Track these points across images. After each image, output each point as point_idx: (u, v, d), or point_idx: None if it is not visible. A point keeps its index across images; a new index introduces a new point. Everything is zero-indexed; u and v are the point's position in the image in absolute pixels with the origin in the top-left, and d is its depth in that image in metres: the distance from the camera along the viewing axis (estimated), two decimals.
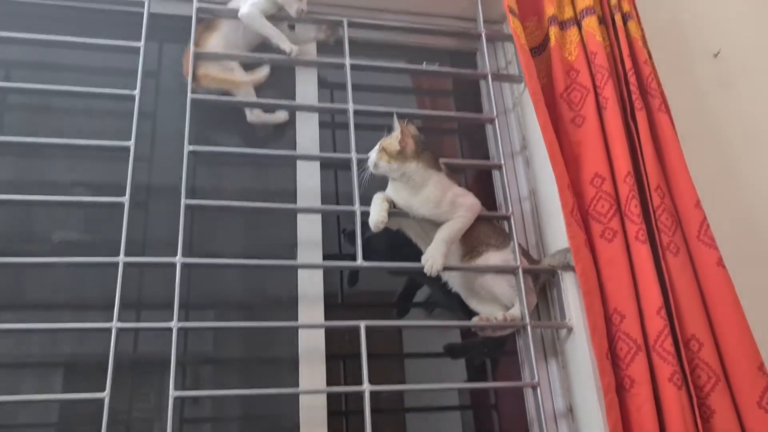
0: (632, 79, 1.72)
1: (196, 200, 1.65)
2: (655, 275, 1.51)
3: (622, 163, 1.62)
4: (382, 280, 1.92)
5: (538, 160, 1.89)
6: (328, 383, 1.65)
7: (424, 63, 2.22)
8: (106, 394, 1.38)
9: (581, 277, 1.54)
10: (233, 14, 1.83)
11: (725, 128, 2.10)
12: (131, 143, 1.63)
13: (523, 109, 2.02)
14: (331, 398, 1.64)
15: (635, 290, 1.52)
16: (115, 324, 1.44)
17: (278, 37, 1.85)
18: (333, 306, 1.77)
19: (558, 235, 1.77)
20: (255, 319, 1.72)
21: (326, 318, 1.72)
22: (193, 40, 1.78)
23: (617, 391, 1.46)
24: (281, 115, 1.89)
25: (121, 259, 1.49)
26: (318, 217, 1.82)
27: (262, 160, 1.90)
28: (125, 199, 1.56)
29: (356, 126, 1.79)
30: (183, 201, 1.59)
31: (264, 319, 1.72)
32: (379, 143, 1.67)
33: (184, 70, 1.80)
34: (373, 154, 1.66)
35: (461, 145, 2.18)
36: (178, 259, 1.53)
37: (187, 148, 1.65)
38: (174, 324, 1.47)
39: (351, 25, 1.91)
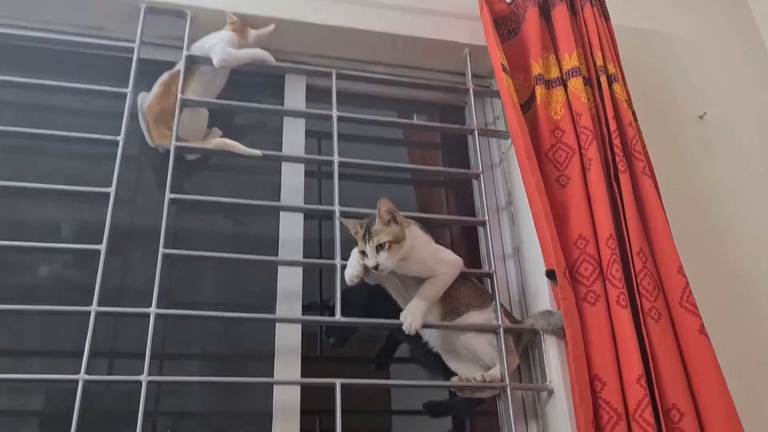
0: (616, 141, 1.72)
1: (174, 250, 1.63)
2: (635, 342, 1.48)
3: (605, 226, 1.61)
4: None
5: (523, 217, 1.88)
6: None
7: (415, 116, 2.25)
8: None
9: (571, 341, 1.52)
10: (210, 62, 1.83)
11: (709, 190, 2.10)
12: (112, 189, 1.63)
13: (509, 164, 2.02)
14: None
15: (616, 357, 1.50)
16: (82, 376, 1.41)
17: (261, 55, 1.86)
18: (311, 359, 1.74)
19: (541, 294, 1.76)
20: (230, 372, 1.72)
21: (304, 371, 1.68)
22: (181, 87, 1.78)
23: None
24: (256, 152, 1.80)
25: (94, 308, 1.46)
26: (299, 269, 1.80)
27: (245, 208, 1.88)
28: (102, 247, 1.54)
29: (341, 176, 1.78)
30: (161, 250, 1.57)
31: (240, 372, 1.71)
32: (369, 243, 1.55)
33: (149, 126, 1.78)
34: (382, 258, 1.54)
35: (447, 198, 2.18)
36: (152, 310, 1.50)
37: (169, 196, 1.64)
38: (144, 378, 1.44)
39: (340, 77, 1.92)
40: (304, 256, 1.83)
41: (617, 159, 1.70)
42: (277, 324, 1.72)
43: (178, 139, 1.72)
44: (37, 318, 1.63)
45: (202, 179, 1.90)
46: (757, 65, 2.42)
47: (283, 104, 2.03)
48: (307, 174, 1.95)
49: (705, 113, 2.18)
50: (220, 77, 1.88)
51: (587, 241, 1.62)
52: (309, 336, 1.76)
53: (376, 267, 1.55)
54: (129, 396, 1.46)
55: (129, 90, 1.75)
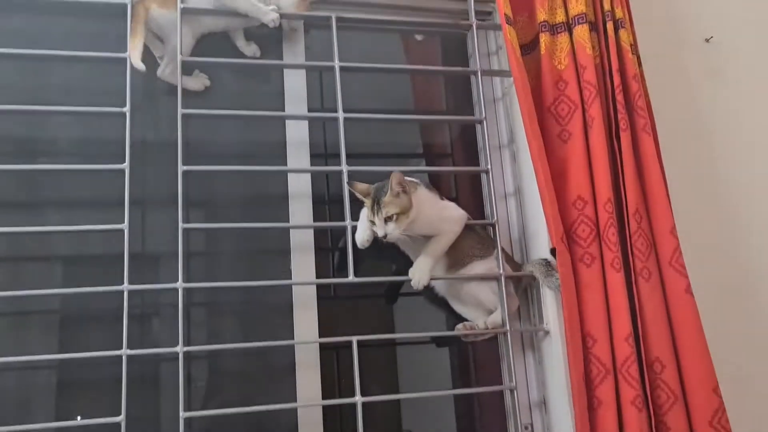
0: (619, 97, 1.73)
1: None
2: (626, 303, 1.61)
3: (604, 189, 1.68)
4: None
5: (524, 156, 1.92)
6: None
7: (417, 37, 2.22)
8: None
9: (566, 306, 1.63)
10: None
11: (712, 120, 2.12)
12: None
13: (511, 100, 2.02)
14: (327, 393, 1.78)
15: (608, 316, 1.63)
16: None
17: (257, 11, 1.80)
18: (326, 299, 1.88)
19: (540, 235, 1.85)
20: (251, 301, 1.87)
21: (319, 302, 1.83)
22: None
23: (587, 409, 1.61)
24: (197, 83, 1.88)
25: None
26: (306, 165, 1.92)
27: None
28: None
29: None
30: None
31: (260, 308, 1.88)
32: (378, 214, 1.64)
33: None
34: (390, 229, 1.64)
35: (450, 130, 2.20)
36: (179, 284, 1.62)
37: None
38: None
39: (340, 20, 1.88)
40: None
41: (619, 116, 1.72)
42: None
43: None
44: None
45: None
46: None
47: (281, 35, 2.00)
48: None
49: (711, 36, 2.13)
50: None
51: (586, 202, 1.69)
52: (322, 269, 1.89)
53: (385, 236, 1.65)
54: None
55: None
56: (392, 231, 1.64)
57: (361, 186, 1.71)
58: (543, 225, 1.80)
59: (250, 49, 1.93)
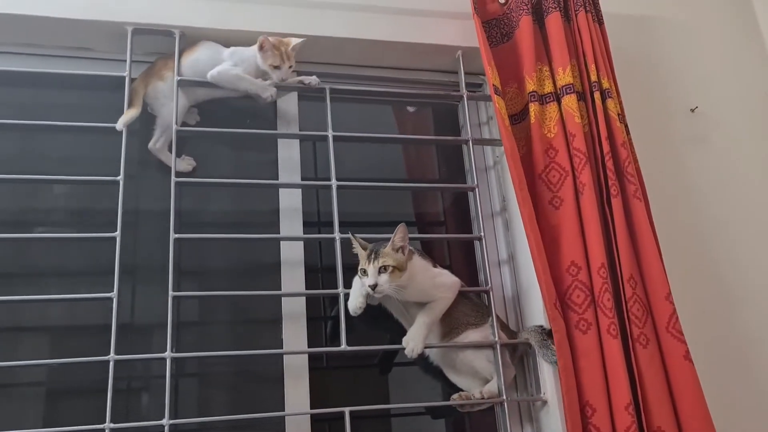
0: (609, 164, 1.75)
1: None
2: (625, 371, 1.58)
3: (597, 254, 1.68)
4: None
5: (517, 222, 1.93)
6: None
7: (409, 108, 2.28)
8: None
9: (563, 373, 1.61)
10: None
11: (699, 188, 2.14)
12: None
13: (503, 168, 2.05)
14: None
15: (606, 385, 1.60)
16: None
17: (256, 88, 1.83)
18: (318, 369, 1.84)
19: (535, 301, 1.84)
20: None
21: (311, 372, 1.79)
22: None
23: None
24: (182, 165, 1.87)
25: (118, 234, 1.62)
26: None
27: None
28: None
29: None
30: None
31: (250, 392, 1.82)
32: (374, 263, 1.62)
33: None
34: (382, 280, 1.61)
35: (442, 197, 2.22)
36: (168, 354, 1.59)
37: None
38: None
39: (333, 91, 1.92)
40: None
41: (610, 182, 1.74)
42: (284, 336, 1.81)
43: None
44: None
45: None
46: (752, 51, 2.38)
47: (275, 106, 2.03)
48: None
49: (696, 107, 2.19)
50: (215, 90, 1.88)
51: (579, 268, 1.69)
52: (315, 339, 1.85)
53: (374, 287, 1.61)
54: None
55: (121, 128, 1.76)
56: (383, 283, 1.61)
57: (362, 241, 1.70)
58: (537, 291, 1.78)
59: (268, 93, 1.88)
